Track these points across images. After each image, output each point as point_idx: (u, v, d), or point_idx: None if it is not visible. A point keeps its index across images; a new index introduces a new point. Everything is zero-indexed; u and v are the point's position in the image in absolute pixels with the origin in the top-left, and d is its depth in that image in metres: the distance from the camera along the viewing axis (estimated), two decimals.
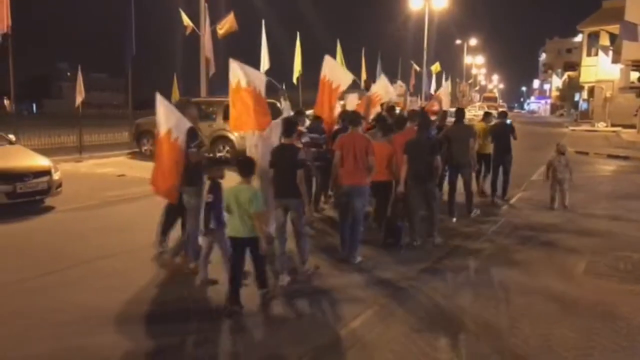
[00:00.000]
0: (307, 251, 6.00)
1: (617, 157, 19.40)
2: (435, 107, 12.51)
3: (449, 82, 17.74)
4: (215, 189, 5.36)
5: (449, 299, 5.25)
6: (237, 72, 6.53)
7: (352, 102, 12.58)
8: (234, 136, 15.20)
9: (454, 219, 8.58)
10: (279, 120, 6.67)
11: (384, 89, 11.08)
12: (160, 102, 5.89)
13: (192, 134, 5.90)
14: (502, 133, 10.34)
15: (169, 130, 5.77)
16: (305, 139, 7.53)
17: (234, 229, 4.94)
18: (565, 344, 4.29)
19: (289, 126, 5.97)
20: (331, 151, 7.36)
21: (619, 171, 16.04)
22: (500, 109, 15.08)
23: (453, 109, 12.23)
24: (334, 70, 9.25)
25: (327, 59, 9.33)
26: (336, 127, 8.91)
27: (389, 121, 8.18)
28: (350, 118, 7.37)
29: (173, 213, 6.31)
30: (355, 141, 6.50)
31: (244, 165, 5.07)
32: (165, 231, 6.43)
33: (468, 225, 8.39)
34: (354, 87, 10.01)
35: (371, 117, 9.78)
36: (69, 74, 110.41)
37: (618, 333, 4.51)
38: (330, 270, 6.09)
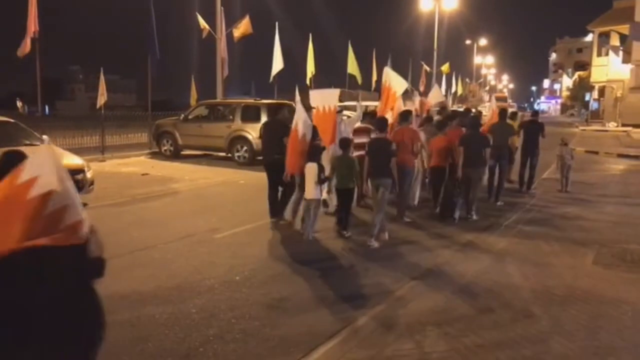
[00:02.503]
0: (381, 226, 7.43)
1: (627, 156, 19.66)
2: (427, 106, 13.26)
3: (435, 86, 17.91)
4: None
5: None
6: (300, 119, 7.96)
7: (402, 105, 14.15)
8: (251, 136, 15.67)
9: (492, 200, 10.33)
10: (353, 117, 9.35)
11: (436, 96, 13.03)
12: (299, 110, 8.07)
13: (316, 132, 8.08)
14: (533, 131, 11.35)
15: (301, 131, 7.79)
16: (373, 135, 8.71)
17: (339, 183, 7.54)
18: (575, 324, 4.69)
19: (382, 124, 7.91)
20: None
21: (629, 170, 16.33)
22: (510, 109, 15.76)
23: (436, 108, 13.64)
24: (393, 79, 10.67)
25: (387, 69, 10.98)
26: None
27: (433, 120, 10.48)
28: (401, 116, 9.03)
29: (274, 187, 8.36)
30: (404, 133, 8.47)
31: (343, 144, 7.67)
32: (273, 203, 8.37)
33: (489, 214, 9.44)
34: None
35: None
36: (81, 76, 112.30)
37: (623, 316, 4.90)
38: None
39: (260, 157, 15.23)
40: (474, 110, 15.94)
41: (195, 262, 6.39)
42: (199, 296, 5.33)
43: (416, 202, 9.77)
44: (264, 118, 15.65)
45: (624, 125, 37.15)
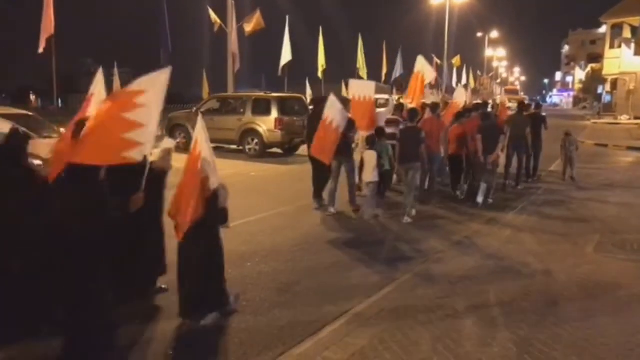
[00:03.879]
0: (412, 203, 8.49)
1: (637, 149, 19.66)
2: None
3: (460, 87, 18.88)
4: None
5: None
6: (331, 110, 8.28)
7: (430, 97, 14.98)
8: (262, 129, 15.95)
9: (514, 184, 11.15)
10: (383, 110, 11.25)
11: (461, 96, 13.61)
12: (331, 100, 8.32)
13: (351, 125, 8.62)
14: (535, 123, 11.75)
15: (329, 119, 8.13)
16: (401, 126, 9.66)
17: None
18: (573, 306, 4.94)
19: (414, 114, 8.89)
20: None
21: (637, 162, 16.38)
22: (521, 101, 15.99)
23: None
24: (426, 67, 11.75)
25: (420, 58, 11.87)
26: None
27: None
28: (431, 107, 10.28)
29: (320, 175, 9.06)
30: (432, 123, 9.58)
31: (379, 132, 8.99)
32: (318, 190, 9.14)
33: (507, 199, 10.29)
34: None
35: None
36: (92, 70, 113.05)
37: (619, 300, 5.12)
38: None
39: (275, 149, 15.53)
40: (491, 103, 16.47)
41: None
42: None
43: (426, 186, 10.14)
44: (274, 111, 15.94)
45: (636, 118, 36.92)
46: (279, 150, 16.64)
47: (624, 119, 37.65)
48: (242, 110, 16.65)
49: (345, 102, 9.18)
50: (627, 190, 11.23)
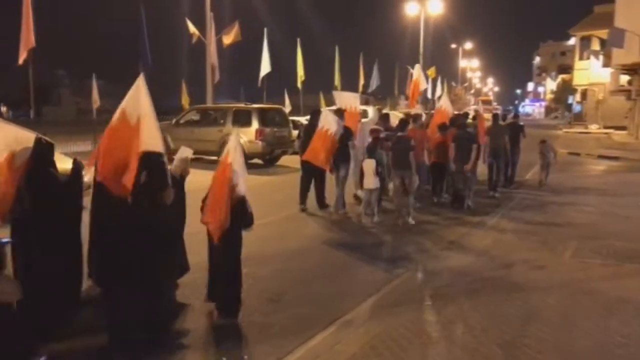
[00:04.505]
0: (413, 205, 9.13)
1: (607, 157, 20.27)
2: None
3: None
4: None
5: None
6: (326, 120, 8.98)
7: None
8: (242, 140, 15.96)
9: (491, 193, 11.54)
10: (366, 120, 11.36)
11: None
12: (325, 112, 9.27)
13: (349, 133, 9.52)
14: (514, 132, 12.46)
15: (325, 127, 8.81)
16: (382, 135, 10.08)
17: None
18: (554, 310, 5.11)
19: (404, 124, 9.68)
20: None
21: (609, 171, 16.90)
22: (494, 112, 16.55)
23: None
24: (421, 76, 13.10)
25: (418, 66, 13.34)
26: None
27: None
28: (413, 118, 10.71)
29: (307, 181, 9.76)
30: (416, 133, 9.96)
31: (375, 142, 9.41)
32: (303, 195, 9.75)
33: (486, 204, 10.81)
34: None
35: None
36: (67, 81, 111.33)
37: (596, 303, 5.30)
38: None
39: (255, 160, 15.63)
40: (471, 114, 16.83)
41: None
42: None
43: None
44: (255, 122, 15.99)
45: (605, 127, 38.01)
46: (259, 161, 16.68)
47: (594, 128, 38.72)
48: (222, 122, 16.67)
49: (340, 113, 9.94)
50: (601, 196, 11.58)
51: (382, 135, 9.91)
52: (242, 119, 16.19)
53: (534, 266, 6.55)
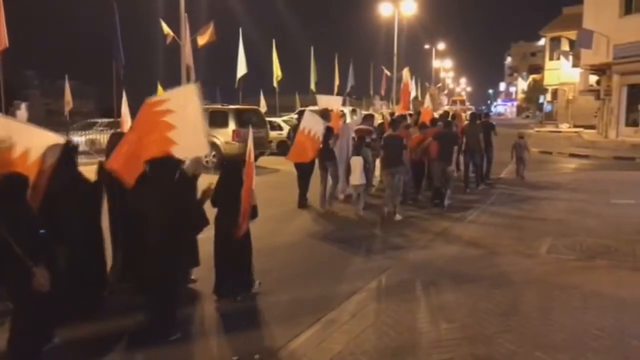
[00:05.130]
0: (398, 202, 9.61)
1: (578, 155, 20.78)
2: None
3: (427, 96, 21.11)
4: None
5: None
6: (307, 121, 9.40)
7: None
8: (219, 141, 15.91)
9: (467, 190, 12.10)
10: (347, 123, 11.55)
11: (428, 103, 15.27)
12: (307, 114, 9.64)
13: (330, 132, 9.94)
14: (486, 130, 12.86)
15: (307, 129, 9.22)
16: (373, 136, 10.80)
17: None
18: (530, 304, 5.26)
19: (396, 123, 9.99)
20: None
21: (579, 169, 17.34)
22: (469, 112, 17.09)
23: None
24: (410, 81, 14.30)
25: (406, 70, 14.41)
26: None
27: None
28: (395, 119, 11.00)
29: (304, 179, 10.25)
30: (402, 133, 10.03)
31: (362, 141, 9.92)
32: (303, 192, 10.26)
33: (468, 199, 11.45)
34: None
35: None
36: (36, 82, 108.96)
37: (572, 297, 5.46)
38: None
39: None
40: (451, 113, 17.53)
41: None
42: None
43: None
44: (231, 123, 15.95)
45: (575, 126, 38.88)
46: None
47: (564, 127, 39.55)
48: None
49: (326, 113, 10.53)
50: (574, 193, 11.89)
51: (374, 136, 10.59)
52: (218, 120, 16.11)
53: (512, 261, 6.71)
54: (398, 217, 9.32)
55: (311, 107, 20.21)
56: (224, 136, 15.86)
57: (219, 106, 17.52)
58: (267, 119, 18.94)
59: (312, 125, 9.34)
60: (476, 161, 12.39)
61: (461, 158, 12.94)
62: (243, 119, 16.32)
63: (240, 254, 5.41)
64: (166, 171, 4.82)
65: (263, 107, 24.52)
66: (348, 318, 4.96)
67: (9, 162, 4.61)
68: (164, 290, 4.68)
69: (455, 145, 10.64)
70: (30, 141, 4.84)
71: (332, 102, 11.35)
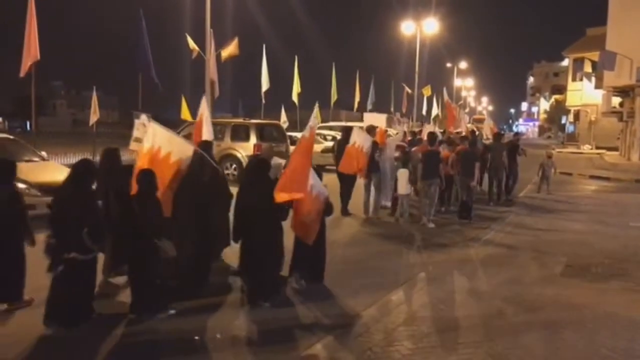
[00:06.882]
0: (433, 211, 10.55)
1: (599, 177, 20.60)
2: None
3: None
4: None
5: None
6: (357, 136, 10.49)
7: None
8: (240, 155, 16.20)
9: (491, 204, 12.85)
10: (393, 138, 12.77)
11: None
12: (356, 130, 10.75)
13: (375, 147, 10.75)
14: (512, 150, 13.84)
15: (357, 143, 10.33)
16: (407, 150, 11.42)
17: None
18: (544, 323, 5.33)
19: (433, 139, 10.73)
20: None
21: (600, 190, 17.21)
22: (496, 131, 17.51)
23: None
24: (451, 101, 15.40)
25: (445, 91, 17.89)
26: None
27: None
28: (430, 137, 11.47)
29: (346, 190, 10.98)
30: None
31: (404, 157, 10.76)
32: (345, 202, 11.00)
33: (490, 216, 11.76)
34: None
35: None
36: (62, 92, 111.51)
37: (584, 317, 5.52)
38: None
39: None
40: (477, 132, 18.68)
41: None
42: None
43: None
44: (253, 137, 16.24)
45: (597, 147, 38.50)
46: None
47: (586, 148, 39.22)
48: (220, 136, 16.85)
49: (372, 130, 11.44)
50: (592, 215, 11.86)
51: (406, 150, 11.33)
52: (240, 134, 16.42)
53: (526, 279, 6.78)
54: (431, 224, 10.14)
55: (360, 124, 20.92)
56: (246, 150, 16.14)
57: (241, 120, 17.83)
58: (288, 133, 19.21)
59: (361, 140, 10.37)
60: (500, 177, 13.15)
61: (486, 174, 13.62)
62: (264, 134, 16.61)
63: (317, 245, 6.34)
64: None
65: (284, 122, 24.84)
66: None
67: (155, 161, 5.71)
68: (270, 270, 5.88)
69: (476, 162, 11.21)
70: (172, 146, 5.90)
71: (377, 119, 12.70)
